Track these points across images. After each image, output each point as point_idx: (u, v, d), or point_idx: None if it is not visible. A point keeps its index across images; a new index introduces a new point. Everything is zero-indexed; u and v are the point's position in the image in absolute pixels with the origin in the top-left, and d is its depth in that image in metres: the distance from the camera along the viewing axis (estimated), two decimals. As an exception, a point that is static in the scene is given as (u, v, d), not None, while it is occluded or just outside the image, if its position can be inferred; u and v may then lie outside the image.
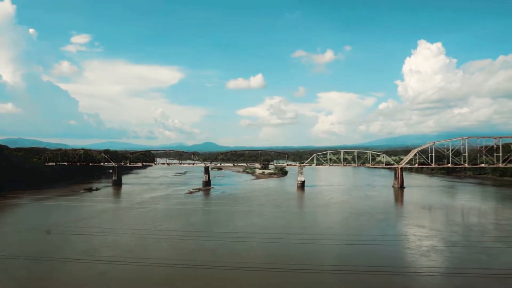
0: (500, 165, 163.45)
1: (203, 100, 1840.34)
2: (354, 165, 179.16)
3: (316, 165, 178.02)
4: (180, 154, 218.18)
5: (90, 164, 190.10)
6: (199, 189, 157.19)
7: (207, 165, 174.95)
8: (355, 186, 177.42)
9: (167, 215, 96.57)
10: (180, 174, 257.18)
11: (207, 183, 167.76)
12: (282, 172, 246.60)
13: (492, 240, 67.91)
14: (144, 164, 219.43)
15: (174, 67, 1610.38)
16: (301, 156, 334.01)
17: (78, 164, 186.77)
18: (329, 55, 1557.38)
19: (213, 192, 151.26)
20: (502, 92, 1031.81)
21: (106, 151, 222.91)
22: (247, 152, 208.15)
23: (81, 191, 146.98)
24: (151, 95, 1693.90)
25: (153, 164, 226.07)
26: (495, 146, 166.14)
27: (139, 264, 53.76)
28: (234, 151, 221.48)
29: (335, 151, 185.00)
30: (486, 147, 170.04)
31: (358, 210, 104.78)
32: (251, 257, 58.06)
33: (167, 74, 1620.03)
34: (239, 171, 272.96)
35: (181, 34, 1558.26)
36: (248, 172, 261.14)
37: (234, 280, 48.42)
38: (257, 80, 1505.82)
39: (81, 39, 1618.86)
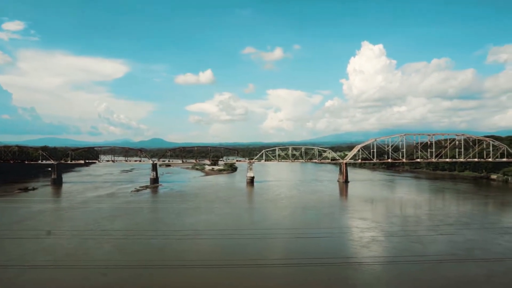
0: (433, 160, 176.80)
1: (150, 95, 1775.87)
2: (301, 160, 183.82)
3: (265, 161, 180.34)
4: (126, 151, 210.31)
5: (26, 162, 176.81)
6: (146, 187, 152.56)
7: (154, 162, 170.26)
8: (303, 181, 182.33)
9: (112, 215, 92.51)
10: (126, 171, 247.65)
11: (155, 181, 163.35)
12: (232, 169, 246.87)
13: (426, 229, 73.10)
14: (87, 161, 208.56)
15: (119, 60, 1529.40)
16: (250, 152, 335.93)
17: (12, 162, 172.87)
18: (278, 52, 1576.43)
19: (161, 189, 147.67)
20: (435, 92, 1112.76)
21: (44, 148, 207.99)
22: (196, 148, 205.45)
23: (15, 191, 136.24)
24: (94, 89, 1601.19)
25: (96, 161, 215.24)
26: (429, 142, 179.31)
27: (78, 268, 51.04)
28: (183, 147, 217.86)
29: (284, 147, 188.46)
30: (421, 143, 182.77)
31: (306, 204, 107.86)
32: (200, 254, 57.55)
33: (112, 67, 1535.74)
34: (188, 168, 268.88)
35: (126, 26, 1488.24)
36: (197, 169, 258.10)
37: (183, 279, 47.65)
38: (206, 75, 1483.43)
39: (14, 26, 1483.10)
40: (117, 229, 75.04)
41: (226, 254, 57.46)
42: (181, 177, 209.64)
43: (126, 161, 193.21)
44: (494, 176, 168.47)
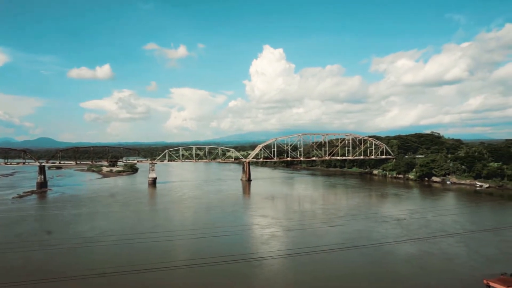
0: (327, 157, 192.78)
1: (37, 90, 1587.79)
2: (206, 160, 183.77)
3: (168, 161, 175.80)
4: (6, 152, 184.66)
5: None
6: (32, 192, 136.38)
7: (42, 164, 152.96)
8: (207, 180, 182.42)
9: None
10: (6, 175, 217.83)
11: (43, 185, 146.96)
12: (133, 170, 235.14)
13: (320, 223, 79.31)
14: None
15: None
16: (153, 152, 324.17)
17: None
18: (182, 51, 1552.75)
19: (51, 194, 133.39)
20: (328, 96, 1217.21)
21: None
22: (92, 148, 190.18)
23: None
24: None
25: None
26: (323, 142, 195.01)
27: None
28: (77, 147, 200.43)
29: (188, 147, 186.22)
30: (316, 142, 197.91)
31: (209, 204, 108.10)
32: (93, 263, 53.40)
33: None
34: (83, 170, 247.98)
35: (6, 10, 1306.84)
36: (94, 171, 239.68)
37: (73, 292, 43.73)
38: (104, 70, 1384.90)
39: None
40: (-7, 242, 65.47)
41: (124, 260, 54.35)
42: (75, 180, 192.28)
43: (6, 163, 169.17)
44: (376, 172, 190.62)
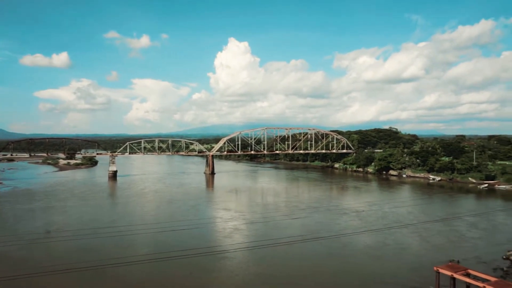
0: (290, 151, 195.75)
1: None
2: (168, 153, 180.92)
3: (129, 154, 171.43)
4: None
5: None
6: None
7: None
8: (170, 174, 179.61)
9: None
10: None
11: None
12: (92, 162, 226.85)
13: (282, 215, 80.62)
14: None
15: None
16: (113, 144, 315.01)
17: None
18: (145, 40, 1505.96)
19: (2, 188, 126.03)
20: (292, 90, 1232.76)
21: None
22: (48, 140, 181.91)
23: None
24: None
25: None
26: (286, 135, 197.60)
27: None
28: (31, 139, 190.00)
29: (150, 139, 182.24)
30: (280, 136, 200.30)
31: (172, 197, 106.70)
32: (44, 260, 51.16)
33: None
34: (38, 163, 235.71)
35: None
36: (49, 164, 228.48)
37: (25, 290, 41.83)
38: (61, 58, 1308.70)
39: None
40: None
41: (80, 256, 52.64)
42: (28, 173, 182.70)
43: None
44: (337, 165, 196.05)
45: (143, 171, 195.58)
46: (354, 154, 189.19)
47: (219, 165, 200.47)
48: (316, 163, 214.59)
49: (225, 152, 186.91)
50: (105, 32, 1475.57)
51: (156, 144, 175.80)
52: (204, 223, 73.93)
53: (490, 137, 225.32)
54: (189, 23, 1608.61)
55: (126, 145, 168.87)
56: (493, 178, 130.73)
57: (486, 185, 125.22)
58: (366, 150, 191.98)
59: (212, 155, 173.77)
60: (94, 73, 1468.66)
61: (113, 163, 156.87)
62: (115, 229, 65.98)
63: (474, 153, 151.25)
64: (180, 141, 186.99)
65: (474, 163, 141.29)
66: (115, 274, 46.35)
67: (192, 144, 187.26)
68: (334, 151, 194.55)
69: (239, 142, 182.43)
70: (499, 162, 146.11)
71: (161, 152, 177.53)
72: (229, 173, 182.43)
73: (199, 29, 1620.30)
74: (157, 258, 50.49)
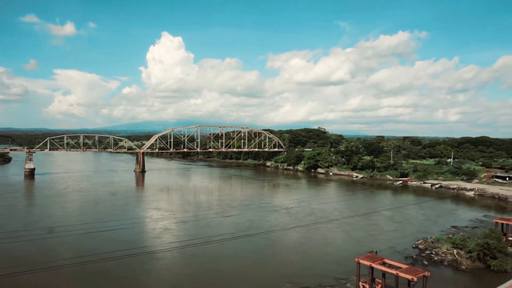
0: (223, 149, 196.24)
1: None
2: (95, 150, 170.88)
3: (50, 150, 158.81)
4: None
5: None
6: None
7: None
8: (96, 172, 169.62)
9: None
10: None
11: None
12: (4, 159, 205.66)
13: (215, 214, 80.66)
14: None
15: None
16: (31, 140, 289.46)
17: None
18: (69, 28, 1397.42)
19: None
20: (227, 88, 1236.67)
21: None
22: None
23: None
24: None
25: None
26: (220, 133, 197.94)
27: None
28: None
29: (74, 135, 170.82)
30: (213, 134, 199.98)
31: (98, 197, 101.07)
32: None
33: None
34: None
35: None
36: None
37: None
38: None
39: None
40: None
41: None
42: None
43: None
44: (269, 164, 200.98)
45: (66, 169, 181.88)
46: (285, 153, 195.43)
47: (150, 163, 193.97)
48: (249, 161, 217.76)
49: (157, 150, 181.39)
50: (22, 15, 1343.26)
51: (81, 140, 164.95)
52: (133, 223, 71.19)
53: (405, 138, 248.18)
54: (119, 13, 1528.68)
55: (46, 141, 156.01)
56: (406, 175, 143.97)
57: (401, 182, 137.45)
58: (296, 149, 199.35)
59: (143, 153, 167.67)
60: (8, 60, 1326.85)
61: (30, 160, 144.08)
62: (31, 233, 60.83)
63: (391, 152, 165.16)
64: (108, 137, 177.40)
65: (391, 161, 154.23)
66: (31, 283, 42.78)
67: (121, 140, 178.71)
68: (266, 149, 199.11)
69: (172, 140, 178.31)
70: (411, 161, 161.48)
71: (86, 148, 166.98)
72: (160, 171, 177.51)
73: (131, 21, 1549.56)
74: (80, 262, 47.57)
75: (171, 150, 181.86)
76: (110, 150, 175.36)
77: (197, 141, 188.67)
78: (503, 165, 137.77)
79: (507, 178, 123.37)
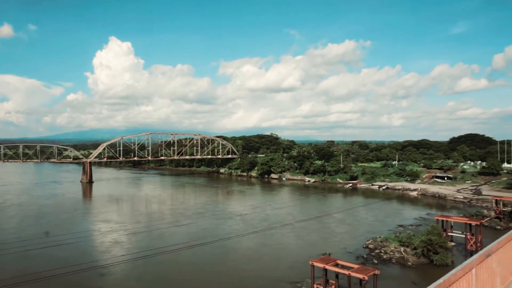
0: (175, 157, 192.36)
1: None
2: (37, 160, 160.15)
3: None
4: None
5: None
6: None
7: None
8: (38, 184, 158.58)
9: None
10: None
11: None
12: None
13: (167, 224, 78.40)
14: None
15: None
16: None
17: None
18: (6, 30, 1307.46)
19: None
20: (178, 95, 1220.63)
21: None
22: None
23: None
24: None
25: None
26: (172, 141, 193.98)
27: None
28: None
29: (13, 144, 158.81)
30: (165, 141, 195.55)
31: (40, 211, 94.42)
32: None
33: None
34: None
35: None
36: None
37: None
38: None
39: None
40: None
41: None
42: None
43: None
44: (222, 170, 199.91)
45: (2, 182, 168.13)
46: (239, 159, 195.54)
47: (99, 173, 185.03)
48: (202, 168, 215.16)
49: (105, 159, 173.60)
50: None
51: (21, 150, 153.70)
52: (79, 237, 67.15)
53: (353, 143, 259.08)
54: (63, 16, 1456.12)
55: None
56: (355, 178, 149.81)
57: (350, 184, 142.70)
58: (249, 155, 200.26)
59: (90, 162, 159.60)
60: None
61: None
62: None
63: (341, 156, 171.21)
64: (51, 146, 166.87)
65: (341, 165, 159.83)
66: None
67: (66, 150, 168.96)
68: (219, 156, 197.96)
69: (121, 148, 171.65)
70: (360, 164, 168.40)
71: (26, 159, 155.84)
72: (109, 181, 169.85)
73: (75, 24, 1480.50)
74: (19, 282, 43.89)
75: (121, 159, 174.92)
76: (53, 160, 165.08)
77: (148, 149, 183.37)
78: (442, 166, 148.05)
79: (446, 178, 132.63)
